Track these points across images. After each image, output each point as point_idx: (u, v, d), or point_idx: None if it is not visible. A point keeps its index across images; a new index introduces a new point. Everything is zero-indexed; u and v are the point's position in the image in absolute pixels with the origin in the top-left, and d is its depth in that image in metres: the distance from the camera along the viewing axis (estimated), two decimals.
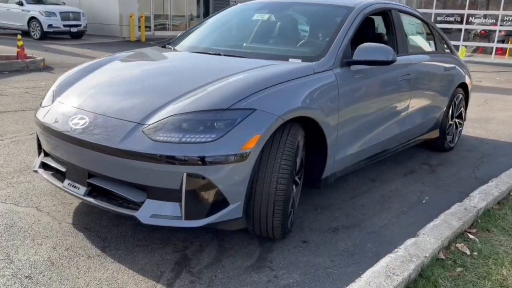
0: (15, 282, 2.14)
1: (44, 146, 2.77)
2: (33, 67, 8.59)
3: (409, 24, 4.34)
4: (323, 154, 2.86)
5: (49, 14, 14.44)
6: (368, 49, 3.01)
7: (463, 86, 4.79)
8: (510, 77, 11.18)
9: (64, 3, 16.10)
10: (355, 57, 3.01)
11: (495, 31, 14.88)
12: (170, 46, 3.73)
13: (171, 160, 2.19)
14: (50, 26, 14.39)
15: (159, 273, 2.28)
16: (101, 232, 2.64)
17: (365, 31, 3.60)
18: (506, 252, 2.60)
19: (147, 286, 2.18)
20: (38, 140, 2.90)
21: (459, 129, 4.89)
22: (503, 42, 15.17)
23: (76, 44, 13.72)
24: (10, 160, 3.72)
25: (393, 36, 3.78)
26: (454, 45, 5.58)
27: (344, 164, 3.15)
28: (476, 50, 15.98)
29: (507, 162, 4.42)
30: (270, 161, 2.37)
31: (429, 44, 4.61)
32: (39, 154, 2.93)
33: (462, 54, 13.35)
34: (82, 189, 2.47)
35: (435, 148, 4.68)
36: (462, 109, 4.85)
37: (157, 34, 18.37)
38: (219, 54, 3.26)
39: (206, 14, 20.61)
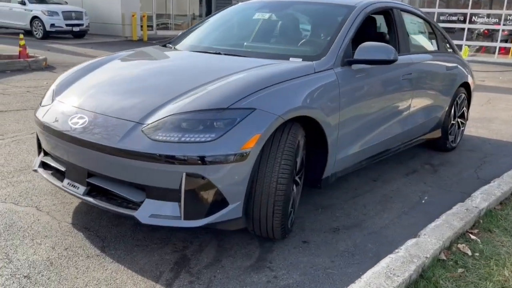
0: (13, 282, 2.14)
1: (44, 145, 2.76)
2: (35, 67, 8.60)
3: (411, 23, 4.31)
4: (324, 153, 2.85)
5: (52, 13, 14.47)
6: (369, 48, 2.99)
7: (466, 85, 4.76)
8: None
9: (66, 3, 16.15)
10: (356, 56, 3.00)
11: (498, 30, 14.84)
12: (170, 45, 3.72)
13: (170, 159, 2.18)
14: (52, 25, 14.43)
15: (158, 273, 2.28)
16: (100, 232, 2.64)
17: (366, 30, 3.58)
18: (508, 253, 2.58)
19: (146, 286, 2.17)
20: (38, 140, 2.89)
21: (462, 128, 4.87)
22: (506, 41, 15.10)
23: (79, 44, 13.74)
24: (10, 159, 3.72)
25: (395, 35, 3.76)
26: (457, 45, 5.56)
27: (345, 163, 3.14)
28: (479, 49, 15.93)
29: (510, 162, 4.39)
30: (270, 160, 2.36)
31: (431, 43, 4.58)
32: (39, 153, 2.93)
33: (465, 53, 13.32)
34: (82, 189, 2.46)
35: (437, 148, 4.66)
36: (464, 108, 4.83)
37: (159, 34, 18.42)
38: (219, 53, 3.25)
39: (209, 13, 20.60)
